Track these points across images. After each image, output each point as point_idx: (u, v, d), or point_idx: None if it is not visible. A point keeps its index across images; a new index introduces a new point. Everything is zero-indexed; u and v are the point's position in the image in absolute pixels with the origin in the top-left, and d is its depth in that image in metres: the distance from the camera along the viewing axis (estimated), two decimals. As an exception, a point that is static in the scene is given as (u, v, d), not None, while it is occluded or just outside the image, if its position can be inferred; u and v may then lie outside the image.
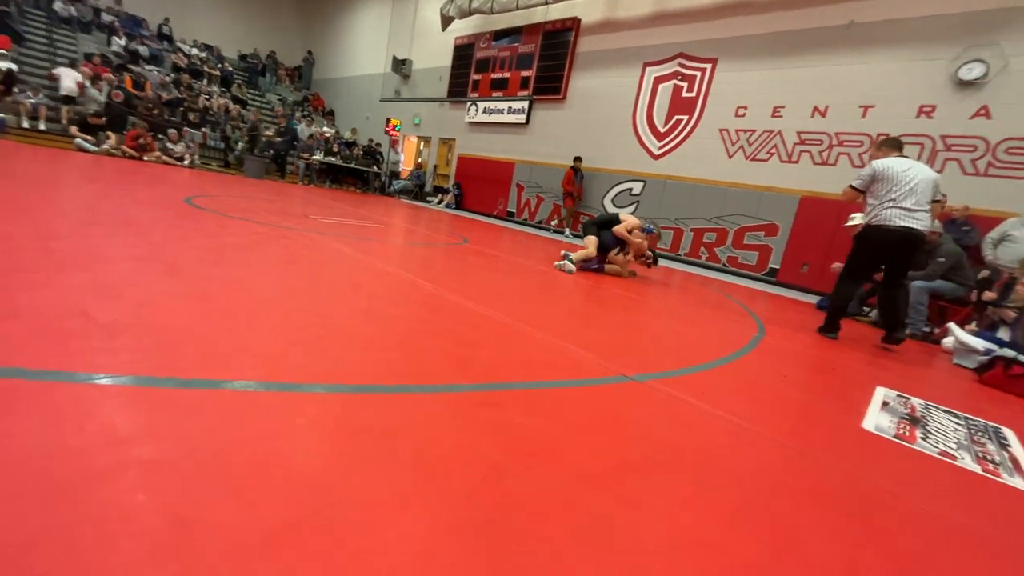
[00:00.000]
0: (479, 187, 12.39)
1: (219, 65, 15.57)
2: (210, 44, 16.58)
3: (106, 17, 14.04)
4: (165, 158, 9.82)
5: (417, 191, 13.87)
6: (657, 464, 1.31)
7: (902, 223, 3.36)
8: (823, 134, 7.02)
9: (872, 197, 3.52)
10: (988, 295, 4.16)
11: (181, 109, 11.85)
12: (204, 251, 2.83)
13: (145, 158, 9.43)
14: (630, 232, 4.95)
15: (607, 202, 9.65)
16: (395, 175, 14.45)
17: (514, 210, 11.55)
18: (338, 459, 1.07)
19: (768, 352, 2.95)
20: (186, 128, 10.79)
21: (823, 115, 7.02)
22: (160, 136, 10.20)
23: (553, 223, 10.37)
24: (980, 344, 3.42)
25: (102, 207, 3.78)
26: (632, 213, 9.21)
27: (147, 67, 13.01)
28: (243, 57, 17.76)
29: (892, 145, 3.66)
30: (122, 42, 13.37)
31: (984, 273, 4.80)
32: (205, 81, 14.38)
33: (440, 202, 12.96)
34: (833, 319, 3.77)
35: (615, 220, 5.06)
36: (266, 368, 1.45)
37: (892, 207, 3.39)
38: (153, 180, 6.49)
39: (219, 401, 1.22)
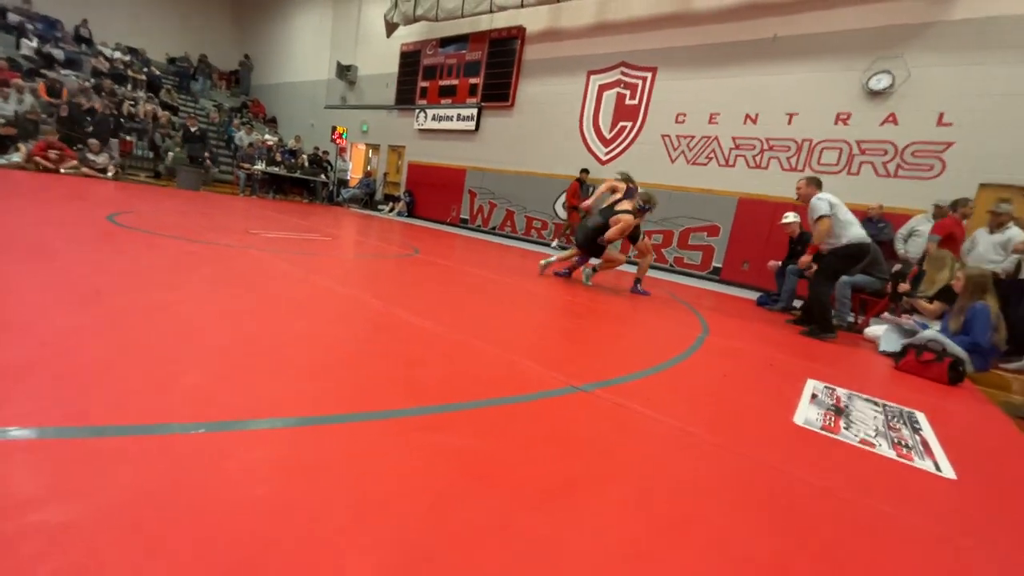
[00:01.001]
0: (431, 194, 12.28)
1: (145, 69, 14.61)
2: (135, 47, 15.52)
3: (13, 17, 12.84)
4: (85, 170, 9.08)
5: (367, 199, 13.56)
6: (601, 477, 1.34)
7: (867, 238, 4.14)
8: (755, 139, 7.48)
9: (834, 223, 4.14)
10: (903, 287, 4.55)
11: (113, 117, 10.98)
12: (127, 276, 2.64)
13: (62, 170, 8.68)
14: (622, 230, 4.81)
15: (558, 207, 9.82)
16: (343, 184, 14.07)
17: (467, 216, 11.52)
18: (274, 503, 1.03)
19: (711, 352, 3.09)
20: (99, 140, 9.96)
21: (754, 122, 7.47)
22: (80, 146, 9.43)
23: (554, 242, 9.56)
24: (915, 325, 3.74)
25: (5, 229, 3.44)
26: (582, 218, 9.48)
27: (63, 72, 12.00)
28: (172, 60, 16.75)
29: (819, 184, 4.34)
30: (33, 44, 12.27)
31: (897, 267, 5.25)
32: (130, 86, 13.44)
33: (391, 210, 12.74)
34: (828, 321, 4.23)
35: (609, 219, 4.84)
36: (195, 406, 1.37)
37: (856, 227, 4.12)
38: (71, 195, 5.98)
39: (141, 448, 1.14)
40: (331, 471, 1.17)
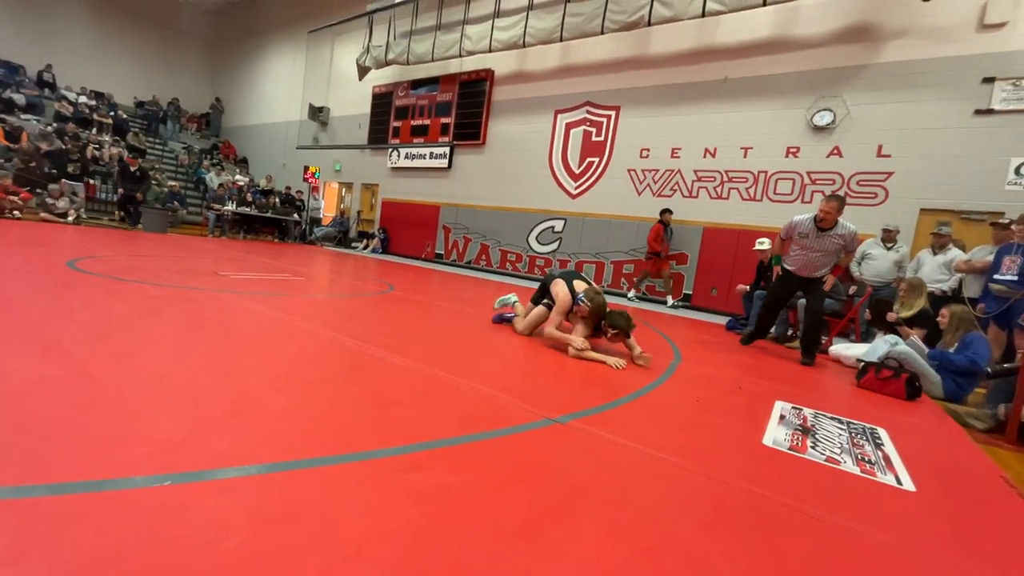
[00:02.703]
0: (405, 230, 12.34)
1: (111, 113, 14.48)
2: (101, 91, 15.42)
3: (-28, 64, 12.66)
4: (44, 215, 8.82)
5: (341, 237, 13.52)
6: (576, 508, 1.36)
7: None
8: (715, 172, 7.88)
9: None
10: (891, 316, 4.69)
11: (74, 160, 10.72)
12: (88, 324, 2.56)
13: (19, 215, 8.40)
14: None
15: (531, 240, 10.02)
16: (316, 222, 14.02)
17: (442, 252, 11.60)
18: (246, 554, 1.00)
19: (684, 378, 3.17)
20: (64, 181, 9.66)
21: (713, 155, 7.90)
22: (40, 190, 9.19)
23: (631, 293, 8.24)
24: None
25: (-40, 279, 3.31)
26: (555, 250, 9.68)
27: (23, 116, 11.80)
28: (140, 104, 16.67)
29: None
30: (-8, 90, 12.08)
31: (853, 288, 5.54)
32: (95, 130, 13.27)
33: (365, 247, 12.71)
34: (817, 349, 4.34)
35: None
36: (162, 457, 1.33)
37: None
38: (28, 241, 5.79)
39: (103, 504, 1.10)
40: (305, 517, 1.15)
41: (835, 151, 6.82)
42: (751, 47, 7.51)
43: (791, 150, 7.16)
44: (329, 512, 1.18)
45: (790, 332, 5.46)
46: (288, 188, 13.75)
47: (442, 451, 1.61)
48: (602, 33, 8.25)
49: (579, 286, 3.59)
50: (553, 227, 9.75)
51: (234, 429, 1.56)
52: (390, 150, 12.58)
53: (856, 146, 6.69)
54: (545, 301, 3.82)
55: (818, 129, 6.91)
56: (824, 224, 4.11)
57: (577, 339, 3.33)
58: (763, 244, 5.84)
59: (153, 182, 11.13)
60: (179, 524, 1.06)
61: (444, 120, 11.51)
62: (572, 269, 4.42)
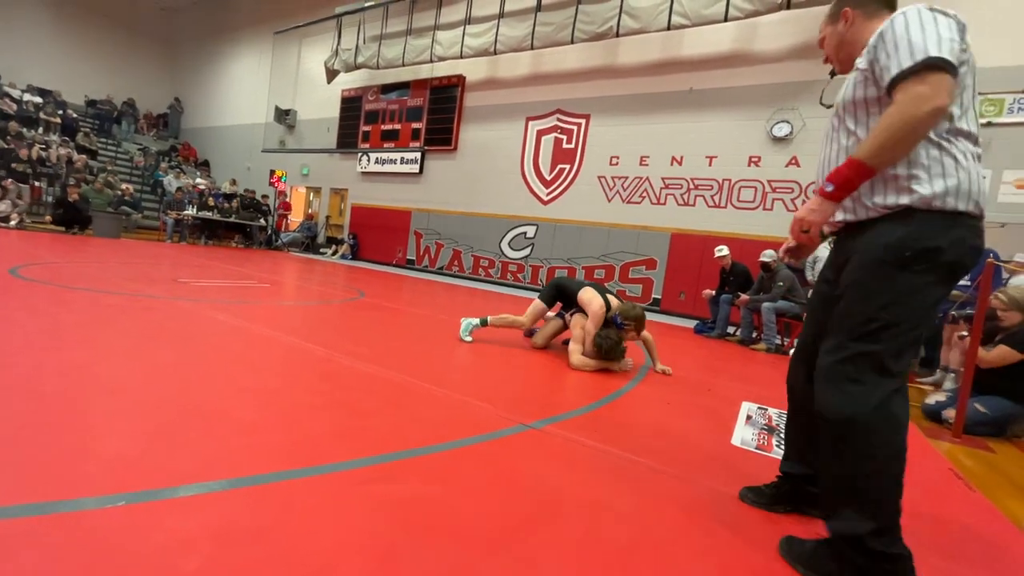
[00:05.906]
0: (376, 236, 12.15)
1: (60, 112, 13.72)
2: (48, 89, 14.59)
3: (-100, 55, 11.75)
4: (-16, 219, 8.25)
5: (309, 243, 13.18)
6: (552, 515, 1.36)
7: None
8: (682, 179, 8.11)
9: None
10: None
11: (24, 160, 10.08)
12: (33, 334, 2.40)
13: (-46, 220, 7.83)
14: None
15: (504, 246, 10.03)
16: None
17: (414, 258, 11.47)
18: None
19: (654, 381, 3.22)
20: (10, 180, 9.06)
21: (680, 163, 8.13)
22: (-23, 193, 8.59)
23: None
24: None
25: None
26: (527, 256, 9.72)
27: (-41, 114, 11.03)
28: (92, 103, 15.86)
29: None
30: (-76, 85, 11.24)
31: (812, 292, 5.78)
32: (41, 130, 12.54)
33: (334, 253, 12.44)
34: None
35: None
36: (116, 476, 1.25)
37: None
38: (-35, 248, 5.39)
39: (48, 530, 1.03)
40: (272, 534, 1.10)
41: (793, 161, 7.14)
42: (714, 60, 7.79)
43: (753, 159, 7.45)
44: (297, 528, 1.14)
45: (755, 335, 5.65)
46: (252, 192, 13.31)
47: (414, 461, 1.58)
48: (572, 42, 8.39)
49: (612, 302, 3.50)
50: (525, 233, 9.80)
51: (195, 443, 1.49)
52: (360, 155, 12.38)
53: (812, 156, 7.01)
54: (571, 313, 3.74)
55: (777, 140, 7.22)
56: (833, 63, 1.50)
57: (585, 359, 3.30)
58: (722, 251, 6.00)
59: (106, 187, 10.57)
60: (134, 547, 1.00)
61: (415, 125, 11.43)
62: (598, 282, 4.20)
